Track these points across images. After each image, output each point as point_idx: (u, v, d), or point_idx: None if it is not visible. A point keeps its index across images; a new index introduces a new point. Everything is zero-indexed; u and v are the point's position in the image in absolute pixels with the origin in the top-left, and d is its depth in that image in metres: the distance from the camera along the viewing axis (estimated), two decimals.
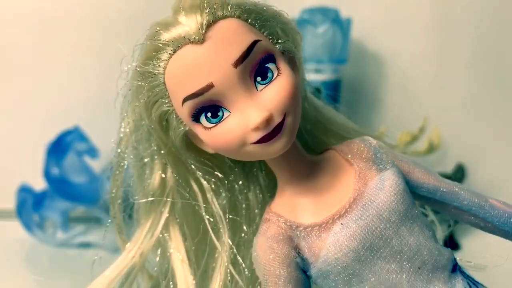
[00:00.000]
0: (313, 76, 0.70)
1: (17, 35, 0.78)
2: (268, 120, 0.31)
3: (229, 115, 0.32)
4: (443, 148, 0.75)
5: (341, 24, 0.70)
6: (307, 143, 0.40)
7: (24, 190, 0.72)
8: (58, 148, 0.69)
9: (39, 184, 0.71)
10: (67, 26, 0.77)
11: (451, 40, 0.77)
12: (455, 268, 0.35)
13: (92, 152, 0.69)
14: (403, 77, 0.79)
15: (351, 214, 0.33)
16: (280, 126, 0.31)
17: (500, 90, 0.79)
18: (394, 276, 0.32)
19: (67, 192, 0.69)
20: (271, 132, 0.31)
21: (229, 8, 0.32)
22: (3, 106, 0.80)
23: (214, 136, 0.32)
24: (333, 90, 0.71)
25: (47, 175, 0.69)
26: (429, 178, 0.36)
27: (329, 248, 0.32)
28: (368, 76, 0.79)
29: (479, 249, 0.38)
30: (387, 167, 0.35)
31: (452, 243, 0.67)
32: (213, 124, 0.32)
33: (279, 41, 0.34)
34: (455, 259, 0.35)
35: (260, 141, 0.31)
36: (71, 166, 0.68)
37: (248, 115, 0.31)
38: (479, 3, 0.76)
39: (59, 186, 0.69)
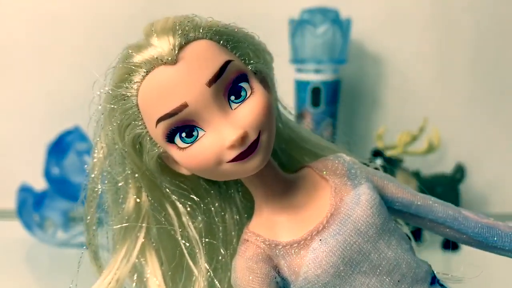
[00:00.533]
0: (313, 76, 0.70)
1: (17, 35, 0.78)
2: (243, 138, 0.31)
3: (204, 134, 0.32)
4: (443, 148, 0.75)
5: (341, 25, 0.70)
6: (282, 162, 0.40)
7: (25, 190, 0.72)
8: (59, 148, 0.69)
9: (39, 184, 0.71)
10: (67, 26, 0.78)
11: (451, 40, 0.77)
12: (434, 280, 0.35)
13: None
14: (403, 77, 0.79)
15: (329, 230, 0.33)
16: (255, 143, 0.31)
17: (500, 90, 0.79)
18: None
19: (67, 192, 0.69)
20: (247, 149, 0.31)
21: (201, 30, 0.32)
22: (3, 106, 0.80)
23: (189, 156, 0.32)
24: (333, 90, 0.71)
25: (48, 175, 0.69)
26: (403, 192, 0.36)
27: (308, 265, 0.32)
28: (368, 76, 0.80)
29: (462, 265, 0.38)
30: (362, 182, 0.35)
31: (452, 244, 0.67)
32: (188, 144, 0.32)
33: (251, 62, 0.34)
34: (433, 271, 0.36)
35: (236, 159, 0.31)
36: (71, 166, 0.68)
37: (223, 133, 0.31)
38: (479, 3, 0.76)
39: (60, 186, 0.69)
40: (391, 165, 0.68)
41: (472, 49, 0.78)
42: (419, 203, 0.36)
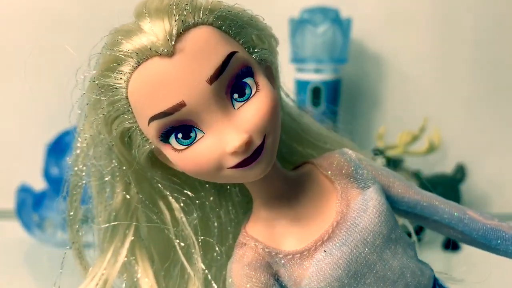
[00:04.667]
0: (313, 75, 0.70)
1: (16, 35, 0.78)
2: (247, 143, 0.28)
3: (202, 136, 0.28)
4: (444, 148, 0.75)
5: (341, 24, 0.70)
6: (282, 154, 0.37)
7: (24, 190, 0.72)
8: (58, 148, 0.69)
9: (38, 184, 0.71)
10: (67, 26, 0.77)
11: (451, 40, 0.77)
12: (435, 284, 0.34)
13: None
14: (403, 77, 0.79)
15: (334, 240, 0.31)
16: (260, 149, 0.28)
17: (500, 90, 0.78)
18: None
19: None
20: (250, 156, 0.28)
21: (201, 14, 0.28)
22: (3, 106, 0.80)
23: (186, 159, 0.29)
24: (333, 90, 0.71)
25: (47, 175, 0.69)
26: (409, 192, 0.35)
27: (311, 277, 0.30)
28: (368, 76, 0.79)
29: (464, 265, 0.38)
30: (369, 184, 0.33)
31: (453, 244, 0.67)
32: (185, 146, 0.28)
33: (255, 50, 0.31)
34: (434, 275, 0.35)
35: (238, 166, 0.28)
36: None
37: (225, 137, 0.28)
38: (479, 3, 0.76)
39: (59, 186, 0.68)
40: (392, 165, 0.68)
41: (472, 49, 0.77)
42: (424, 203, 0.35)
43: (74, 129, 0.73)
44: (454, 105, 0.79)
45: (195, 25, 0.28)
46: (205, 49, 0.28)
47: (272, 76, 0.33)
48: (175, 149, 0.29)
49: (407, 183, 0.35)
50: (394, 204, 0.34)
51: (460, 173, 0.72)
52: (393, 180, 0.35)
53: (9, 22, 0.78)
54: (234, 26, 0.29)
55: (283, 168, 0.34)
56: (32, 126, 0.80)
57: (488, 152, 0.80)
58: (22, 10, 0.78)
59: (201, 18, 0.28)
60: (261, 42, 0.32)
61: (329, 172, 0.33)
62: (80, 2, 0.77)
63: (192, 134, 0.28)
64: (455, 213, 0.35)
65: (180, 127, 0.28)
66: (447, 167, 0.74)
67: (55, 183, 0.69)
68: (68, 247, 0.37)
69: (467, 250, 0.66)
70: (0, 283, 0.60)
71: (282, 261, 0.31)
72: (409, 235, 0.36)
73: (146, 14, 0.28)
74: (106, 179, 0.35)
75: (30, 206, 0.70)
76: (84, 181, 0.36)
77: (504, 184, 0.80)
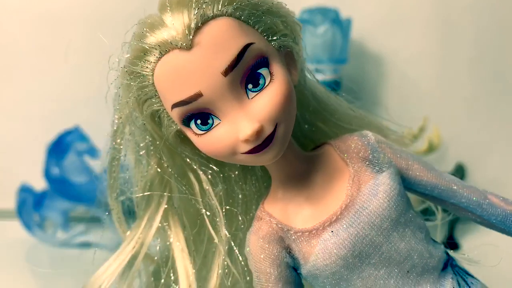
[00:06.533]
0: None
1: (17, 35, 0.78)
2: (258, 132, 0.30)
3: (219, 123, 0.31)
4: (443, 147, 0.75)
5: (341, 24, 0.70)
6: (304, 132, 0.39)
7: (25, 190, 0.72)
8: (58, 148, 0.69)
9: (39, 184, 0.71)
10: (67, 26, 0.77)
11: (451, 40, 0.77)
12: (447, 265, 0.35)
13: (92, 152, 0.69)
14: (403, 77, 0.79)
15: (342, 221, 0.33)
16: (271, 136, 0.31)
17: (500, 90, 0.79)
18: (381, 281, 0.32)
19: (67, 192, 0.69)
20: (262, 143, 0.31)
21: (220, 6, 0.30)
22: (3, 106, 0.80)
23: (204, 142, 0.32)
24: (333, 90, 0.71)
25: (47, 175, 0.69)
26: (427, 175, 0.36)
27: (317, 254, 0.33)
28: (368, 76, 0.79)
29: (478, 248, 0.38)
30: (383, 168, 0.34)
31: (451, 243, 0.67)
32: (203, 132, 0.31)
33: (274, 37, 0.32)
34: (447, 255, 0.35)
35: (250, 152, 0.31)
36: (71, 166, 0.68)
37: (239, 125, 0.30)
38: (479, 3, 0.76)
39: (59, 186, 0.69)
40: None
41: (472, 49, 0.77)
42: (442, 187, 0.35)
43: (74, 130, 0.73)
44: (454, 105, 0.79)
45: (214, 17, 0.30)
46: (222, 41, 0.29)
47: (293, 61, 0.34)
48: (195, 133, 0.32)
49: (427, 166, 0.36)
50: (411, 186, 0.35)
51: (460, 172, 0.72)
52: (412, 163, 0.36)
53: (9, 22, 0.78)
54: (253, 15, 0.31)
55: (301, 149, 0.36)
56: (33, 126, 0.80)
57: (488, 152, 0.80)
58: (22, 10, 0.78)
59: (220, 10, 0.30)
60: (283, 28, 0.33)
61: (346, 155, 0.35)
62: (81, 2, 0.77)
63: (210, 121, 0.31)
64: (474, 198, 0.35)
65: (199, 114, 0.31)
66: (447, 167, 0.74)
67: (56, 183, 0.69)
68: (106, 213, 0.41)
69: (466, 248, 0.66)
70: (0, 282, 0.60)
71: (293, 237, 0.34)
72: (427, 219, 0.37)
73: (168, 7, 0.30)
74: (141, 153, 0.38)
75: (30, 206, 0.70)
76: (121, 154, 0.39)
77: (504, 184, 0.80)
